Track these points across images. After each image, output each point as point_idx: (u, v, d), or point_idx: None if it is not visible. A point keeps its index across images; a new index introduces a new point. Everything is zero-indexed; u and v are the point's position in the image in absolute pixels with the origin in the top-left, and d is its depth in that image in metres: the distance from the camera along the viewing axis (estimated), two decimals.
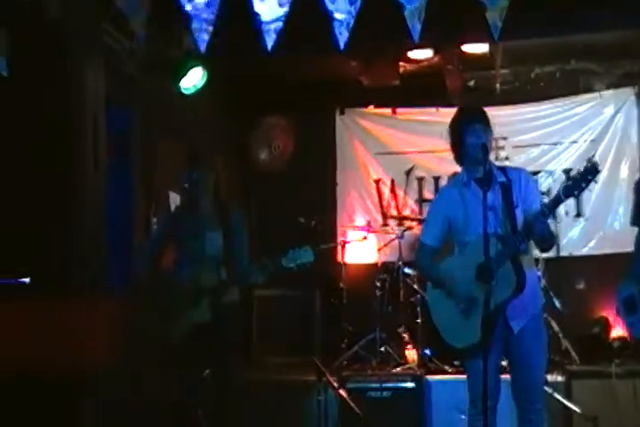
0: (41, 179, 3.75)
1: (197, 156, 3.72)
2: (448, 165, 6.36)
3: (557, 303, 5.14)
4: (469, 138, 3.02)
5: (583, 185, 2.74)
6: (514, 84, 6.28)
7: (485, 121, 3.07)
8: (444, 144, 6.43)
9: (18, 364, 3.44)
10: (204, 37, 2.80)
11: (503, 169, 3.12)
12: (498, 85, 6.21)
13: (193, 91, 4.93)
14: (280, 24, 2.97)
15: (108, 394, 3.77)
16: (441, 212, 3.16)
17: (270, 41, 2.91)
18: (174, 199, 4.90)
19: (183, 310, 3.48)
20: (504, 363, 3.18)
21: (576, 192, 2.75)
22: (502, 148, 6.14)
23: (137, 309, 3.70)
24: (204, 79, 4.90)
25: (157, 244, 3.74)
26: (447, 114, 6.14)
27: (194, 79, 4.88)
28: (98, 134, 4.05)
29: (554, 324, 5.02)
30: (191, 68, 4.83)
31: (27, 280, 3.34)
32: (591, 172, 2.75)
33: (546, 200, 3.00)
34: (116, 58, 4.41)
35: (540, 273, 4.83)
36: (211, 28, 2.83)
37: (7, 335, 3.46)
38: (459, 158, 3.13)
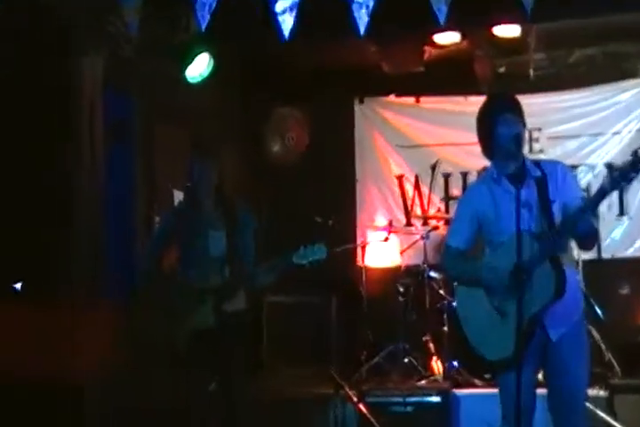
0: (35, 173, 3.77)
1: (202, 147, 3.73)
2: (477, 160, 6.28)
3: (598, 310, 5.07)
4: (500, 129, 2.97)
5: (632, 176, 2.67)
6: (549, 70, 6.20)
7: (518, 110, 3.02)
8: (472, 136, 6.40)
9: (13, 372, 3.47)
10: (206, 15, 2.77)
11: (537, 163, 3.07)
12: (531, 71, 6.14)
13: (199, 79, 4.94)
14: (295, 7, 2.92)
15: (109, 402, 3.78)
16: (469, 211, 3.13)
17: (286, 26, 2.87)
18: (178, 197, 4.90)
19: (185, 313, 3.49)
20: (540, 376, 3.12)
21: (623, 183, 2.69)
22: (536, 140, 6.08)
23: (139, 312, 3.69)
24: (211, 67, 4.90)
25: (160, 243, 3.75)
26: (476, 103, 6.12)
27: (200, 67, 4.88)
28: (95, 123, 4.08)
29: (594, 333, 4.95)
30: (197, 54, 4.83)
31: (18, 285, 3.35)
32: (637, 165, 2.68)
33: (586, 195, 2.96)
34: (116, 43, 4.41)
35: (579, 277, 4.75)
36: (214, 5, 2.80)
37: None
38: (488, 152, 3.09)
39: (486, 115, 3.04)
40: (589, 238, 2.96)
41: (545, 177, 2.99)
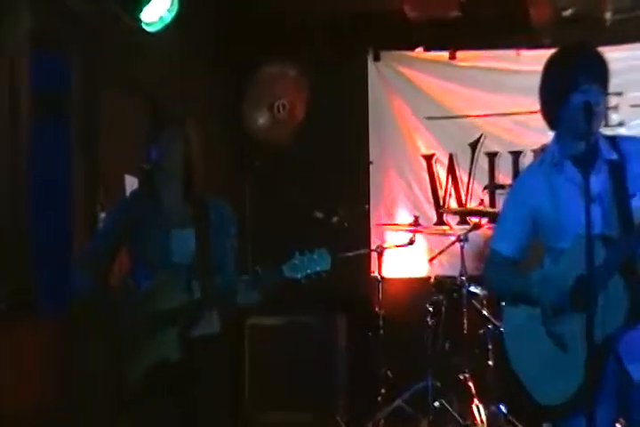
0: None
1: (163, 118, 3.72)
2: (533, 135, 6.50)
3: None
4: (571, 94, 2.94)
5: None
6: (633, 12, 6.15)
7: (598, 69, 2.99)
8: (526, 103, 6.36)
9: None
10: None
11: (613, 140, 3.06)
12: (608, 15, 6.12)
13: (160, 26, 4.96)
14: None
15: None
16: (522, 207, 3.13)
17: None
18: (131, 184, 4.91)
19: (139, 342, 3.47)
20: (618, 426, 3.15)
21: None
22: (615, 108, 6.07)
23: (77, 339, 3.68)
24: (175, 9, 4.89)
25: (106, 247, 3.74)
26: (531, 59, 6.34)
27: (160, 9, 4.87)
28: (18, 86, 4.04)
29: None
30: None
31: None
32: None
33: None
34: None
35: None
36: None
37: None
38: (553, 124, 3.06)
39: (554, 73, 3.02)
40: None
41: (622, 161, 2.97)
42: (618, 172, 2.96)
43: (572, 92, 2.94)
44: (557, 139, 3.08)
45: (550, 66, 3.06)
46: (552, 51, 3.13)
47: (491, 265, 3.23)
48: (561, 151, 3.05)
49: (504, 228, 3.21)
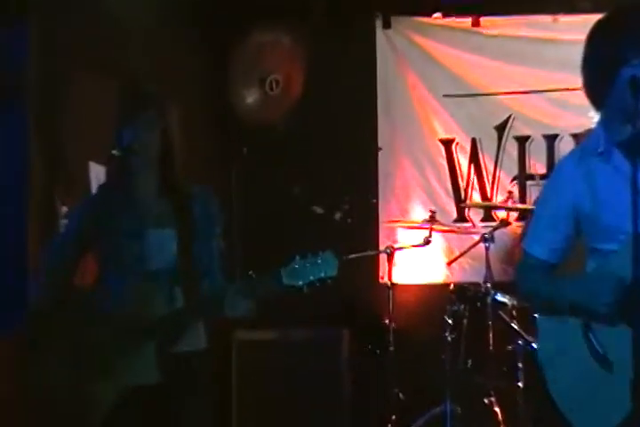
0: None
1: (136, 96, 3.73)
2: (572, 116, 6.52)
3: None
4: (619, 67, 2.95)
5: None
6: None
7: None
8: (565, 78, 6.36)
9: None
10: None
11: None
12: None
13: None
14: None
15: None
16: (561, 202, 3.14)
17: None
18: (97, 174, 4.90)
19: (112, 363, 3.47)
20: None
21: None
22: None
23: (35, 359, 3.69)
24: None
25: (68, 250, 3.76)
26: (571, 26, 6.36)
27: None
28: None
29: None
30: None
31: None
32: None
33: None
34: None
35: None
36: None
37: None
38: (599, 104, 3.07)
39: (600, 43, 3.02)
40: None
41: None
42: None
43: (620, 65, 2.95)
44: (603, 122, 3.09)
45: (595, 33, 3.06)
46: (595, 16, 3.14)
47: (523, 269, 3.25)
48: (608, 137, 3.05)
49: (539, 227, 3.22)
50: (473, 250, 5.89)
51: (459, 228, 6.34)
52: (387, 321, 5.82)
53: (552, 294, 3.15)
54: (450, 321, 5.57)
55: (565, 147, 6.06)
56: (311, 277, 3.36)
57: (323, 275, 3.36)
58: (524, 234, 3.36)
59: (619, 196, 2.94)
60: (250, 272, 3.43)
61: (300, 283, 3.36)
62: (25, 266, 4.51)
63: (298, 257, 3.37)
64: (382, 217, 6.57)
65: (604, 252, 3.05)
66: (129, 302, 3.53)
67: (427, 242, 5.89)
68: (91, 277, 3.77)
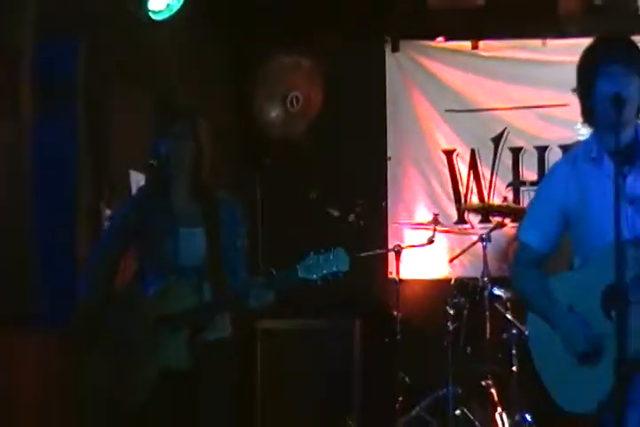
0: None
1: (172, 110, 3.77)
2: (559, 129, 6.47)
3: None
4: (600, 84, 2.94)
5: None
6: None
7: (633, 59, 2.97)
8: (553, 95, 6.31)
9: None
10: None
11: None
12: None
13: (167, 15, 4.97)
14: None
15: None
16: (554, 199, 3.11)
17: None
18: (137, 181, 4.90)
19: (148, 350, 3.47)
20: None
21: None
22: None
23: (80, 348, 3.68)
24: None
25: (113, 248, 3.75)
26: (558, 49, 6.32)
27: None
28: (19, 76, 4.06)
29: None
30: None
31: None
32: None
33: None
34: None
35: None
36: None
37: None
38: (588, 118, 3.06)
39: (585, 64, 3.02)
40: None
41: None
42: None
43: (597, 79, 2.94)
44: (596, 132, 3.06)
45: (581, 56, 3.05)
46: (580, 40, 3.13)
47: (518, 263, 3.21)
48: (599, 145, 3.03)
49: (533, 219, 3.20)
50: (472, 249, 5.86)
51: (459, 229, 6.30)
52: (394, 312, 5.80)
53: (535, 303, 3.12)
54: (451, 312, 5.54)
55: (554, 157, 6.00)
56: (324, 271, 3.34)
57: (335, 269, 3.34)
58: (520, 229, 3.31)
59: (605, 198, 2.91)
60: (270, 269, 3.43)
61: (314, 276, 3.34)
62: (73, 265, 4.49)
63: (312, 253, 3.36)
64: (391, 219, 6.52)
65: (590, 249, 3.02)
66: (163, 294, 3.53)
67: (430, 241, 5.87)
68: (129, 272, 3.76)
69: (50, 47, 4.45)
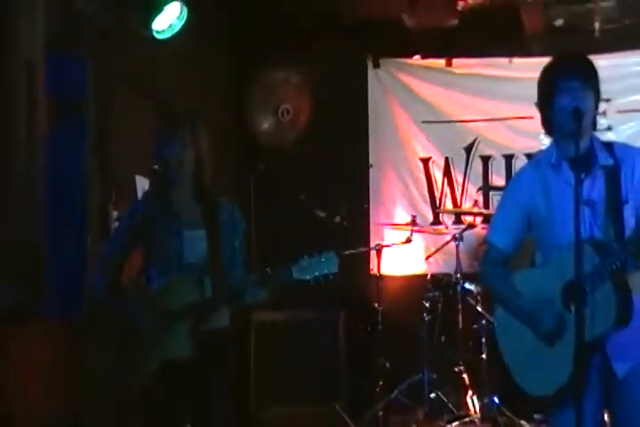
0: None
1: (174, 119, 3.70)
2: (524, 139, 6.48)
3: None
4: (560, 99, 2.95)
5: None
6: (621, 23, 6.16)
7: (588, 76, 2.99)
8: (518, 108, 6.33)
9: None
10: None
11: (610, 147, 3.04)
12: (597, 24, 6.12)
13: (169, 34, 4.93)
14: None
15: None
16: (519, 202, 3.11)
17: None
18: (142, 185, 4.90)
19: (152, 341, 3.45)
20: (606, 418, 3.15)
21: None
22: (603, 113, 6.05)
23: (90, 337, 3.68)
24: (184, 18, 4.89)
25: (121, 247, 3.71)
26: (523, 66, 6.34)
27: (170, 17, 4.87)
28: (34, 90, 4.01)
29: None
30: (166, 3, 4.81)
31: None
32: None
33: None
34: None
35: None
36: None
37: None
38: (548, 128, 3.07)
39: (546, 80, 3.03)
40: None
41: (618, 167, 2.95)
42: (613, 178, 2.93)
43: (557, 94, 2.96)
44: (555, 141, 3.07)
45: (542, 73, 3.07)
46: (543, 59, 3.15)
47: (486, 258, 3.21)
48: (558, 153, 3.04)
49: (500, 222, 3.19)
50: (446, 247, 5.90)
51: (434, 229, 6.32)
52: (376, 305, 5.82)
53: (502, 295, 3.13)
54: (427, 305, 5.56)
55: (520, 164, 5.99)
56: (316, 273, 3.33)
57: (326, 271, 3.33)
58: (488, 231, 3.32)
59: (565, 203, 2.92)
60: (266, 268, 3.42)
61: (308, 277, 3.33)
62: (85, 262, 4.48)
63: (305, 256, 3.34)
64: (372, 220, 6.53)
65: (550, 247, 3.02)
66: (167, 289, 3.51)
67: (408, 240, 5.90)
68: (136, 269, 3.73)
69: (61, 62, 4.43)
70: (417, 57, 6.58)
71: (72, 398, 3.96)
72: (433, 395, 5.34)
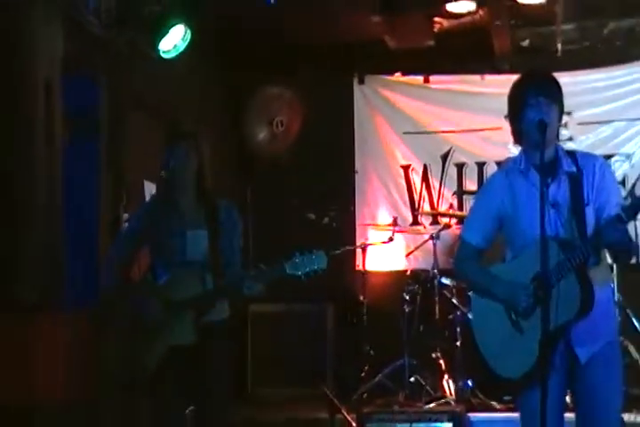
0: None
1: (178, 130, 3.71)
2: (495, 148, 6.49)
3: (638, 324, 5.08)
4: (527, 112, 2.97)
5: None
6: (580, 44, 6.22)
7: (553, 91, 3.01)
8: (489, 120, 6.34)
9: None
10: None
11: (573, 155, 3.06)
12: (559, 45, 6.15)
13: (174, 54, 4.94)
14: None
15: None
16: (490, 204, 3.12)
17: None
18: (150, 190, 4.91)
19: (159, 329, 3.45)
20: (568, 399, 3.13)
21: None
22: (565, 125, 6.06)
23: (103, 327, 3.67)
24: (188, 39, 4.89)
25: (129, 245, 3.71)
26: (494, 82, 6.37)
27: (175, 39, 4.87)
28: (52, 107, 4.02)
29: (633, 349, 4.94)
30: (172, 26, 4.81)
31: None
32: None
33: (623, 195, 2.95)
34: (79, 15, 4.39)
35: (614, 286, 4.75)
36: None
37: None
38: (517, 138, 3.09)
39: (515, 95, 3.04)
40: (625, 252, 2.94)
41: (580, 173, 2.97)
42: (576, 183, 2.95)
43: (525, 108, 2.97)
44: (523, 150, 3.08)
45: (511, 88, 3.09)
46: (511, 76, 3.16)
47: (459, 254, 3.20)
48: (527, 161, 3.05)
49: (473, 221, 3.19)
50: (424, 246, 5.90)
51: (413, 229, 6.32)
52: (361, 298, 5.83)
53: (479, 283, 3.12)
54: (407, 297, 5.55)
55: (491, 171, 6.00)
56: (307, 269, 3.34)
57: (316, 267, 3.34)
58: (462, 229, 3.32)
59: (532, 204, 2.93)
60: (260, 265, 3.43)
61: (299, 273, 3.34)
62: (99, 259, 4.48)
63: (298, 253, 3.35)
64: (358, 221, 6.52)
65: (519, 245, 3.03)
66: (173, 283, 3.51)
67: (390, 240, 5.89)
68: (143, 266, 3.73)
69: (77, 82, 4.44)
70: (398, 74, 6.59)
71: (89, 383, 3.94)
72: (412, 379, 5.33)
